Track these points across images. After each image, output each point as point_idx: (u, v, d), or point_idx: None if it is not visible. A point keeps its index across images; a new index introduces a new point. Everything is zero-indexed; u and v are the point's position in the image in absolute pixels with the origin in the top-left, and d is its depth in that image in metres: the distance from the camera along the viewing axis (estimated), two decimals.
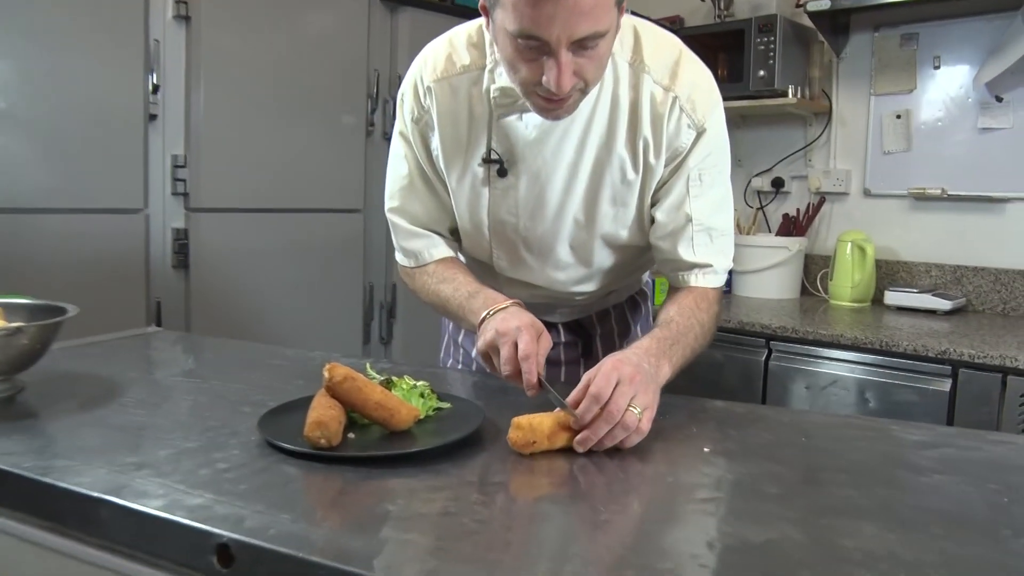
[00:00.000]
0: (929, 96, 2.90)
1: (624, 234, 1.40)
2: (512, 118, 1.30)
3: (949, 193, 2.83)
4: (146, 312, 2.65)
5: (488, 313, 1.25)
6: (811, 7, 2.78)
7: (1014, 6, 2.65)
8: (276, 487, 0.92)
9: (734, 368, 2.58)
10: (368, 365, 1.27)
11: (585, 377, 1.08)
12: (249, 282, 2.86)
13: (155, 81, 2.56)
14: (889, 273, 2.99)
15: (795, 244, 2.98)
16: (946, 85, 2.87)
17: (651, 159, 1.32)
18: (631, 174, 1.34)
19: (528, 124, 1.30)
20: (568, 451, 1.06)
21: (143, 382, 1.39)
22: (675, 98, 1.29)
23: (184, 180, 2.66)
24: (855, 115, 3.06)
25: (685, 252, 1.37)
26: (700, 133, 1.32)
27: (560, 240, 1.40)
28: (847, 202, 3.10)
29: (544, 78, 1.12)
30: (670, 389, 1.22)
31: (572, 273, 1.45)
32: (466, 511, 0.87)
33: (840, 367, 2.40)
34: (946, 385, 2.21)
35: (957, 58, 2.84)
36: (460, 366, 1.67)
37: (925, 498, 0.94)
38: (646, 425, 1.07)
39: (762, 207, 3.27)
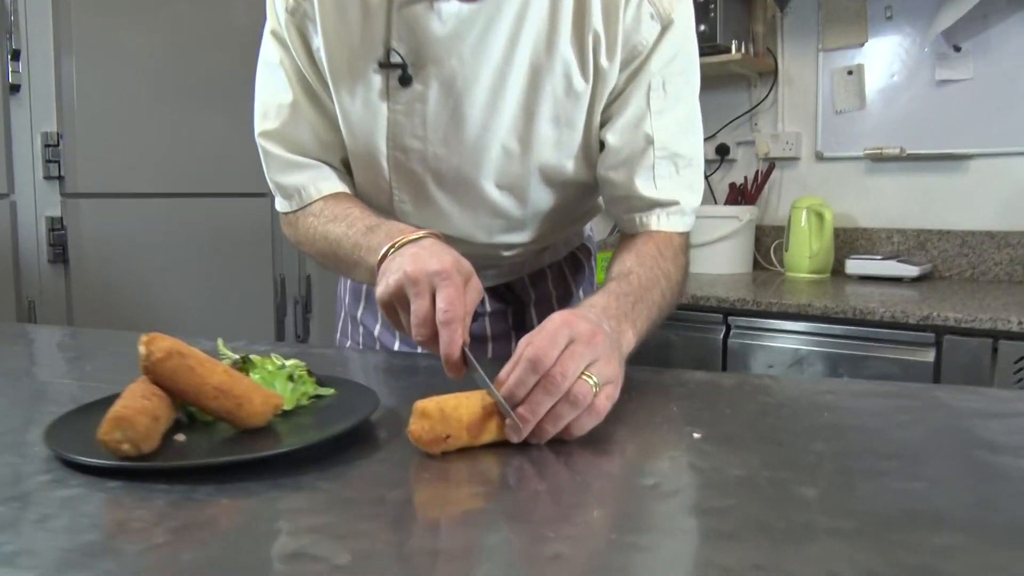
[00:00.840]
0: (882, 49, 2.62)
1: (569, 166, 1.06)
2: (419, 6, 0.95)
3: (908, 152, 2.55)
4: (16, 315, 2.23)
5: (392, 247, 0.88)
6: None
7: None
8: (27, 526, 0.55)
9: (688, 348, 2.26)
10: (220, 342, 0.90)
11: (524, 339, 0.74)
12: (142, 277, 2.45)
13: (14, 45, 2.16)
14: (847, 241, 2.70)
15: (745, 213, 2.68)
16: (900, 37, 2.59)
17: (602, 60, 0.98)
18: (579, 82, 0.99)
19: (441, 13, 0.95)
20: (495, 448, 0.72)
21: None
22: None
23: (58, 162, 2.26)
24: (803, 73, 2.77)
25: (644, 186, 1.03)
26: (666, 27, 0.99)
27: (484, 173, 1.05)
28: (798, 167, 2.80)
29: None
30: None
31: (500, 220, 1.10)
32: (345, 550, 0.51)
33: (807, 341, 2.09)
34: (929, 355, 1.92)
35: (910, 7, 2.56)
36: (361, 347, 1.31)
37: None
38: (604, 404, 0.73)
39: (706, 177, 2.96)
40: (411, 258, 0.82)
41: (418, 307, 0.79)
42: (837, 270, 2.64)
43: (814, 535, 0.53)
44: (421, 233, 0.88)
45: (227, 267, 2.64)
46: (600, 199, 1.20)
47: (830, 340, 2.06)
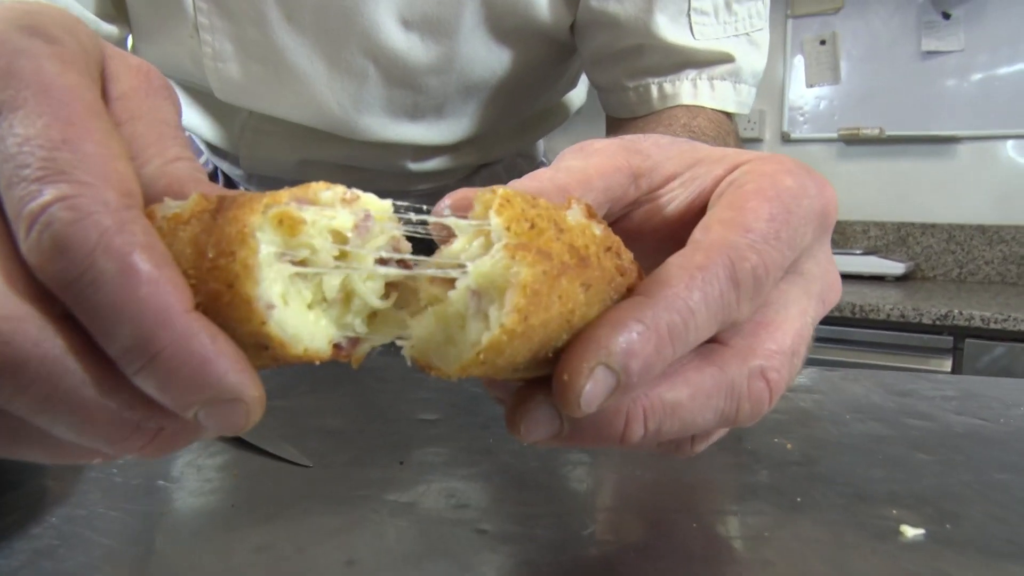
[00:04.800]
0: (861, 15, 2.23)
1: None
2: None
3: (888, 134, 2.15)
4: None
5: None
6: None
7: None
8: None
9: None
10: None
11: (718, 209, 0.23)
12: None
13: None
14: None
15: None
16: (880, 2, 2.20)
17: None
18: None
19: None
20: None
21: None
22: None
23: None
24: (769, 43, 2.35)
25: (671, 27, 0.57)
26: None
27: None
28: (761, 150, 2.37)
29: None
30: None
31: (404, 93, 0.61)
32: None
33: None
34: (946, 363, 1.50)
35: None
36: None
37: None
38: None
39: None
40: None
41: None
42: None
43: None
44: None
45: None
46: (569, 96, 0.73)
47: (819, 347, 1.62)
